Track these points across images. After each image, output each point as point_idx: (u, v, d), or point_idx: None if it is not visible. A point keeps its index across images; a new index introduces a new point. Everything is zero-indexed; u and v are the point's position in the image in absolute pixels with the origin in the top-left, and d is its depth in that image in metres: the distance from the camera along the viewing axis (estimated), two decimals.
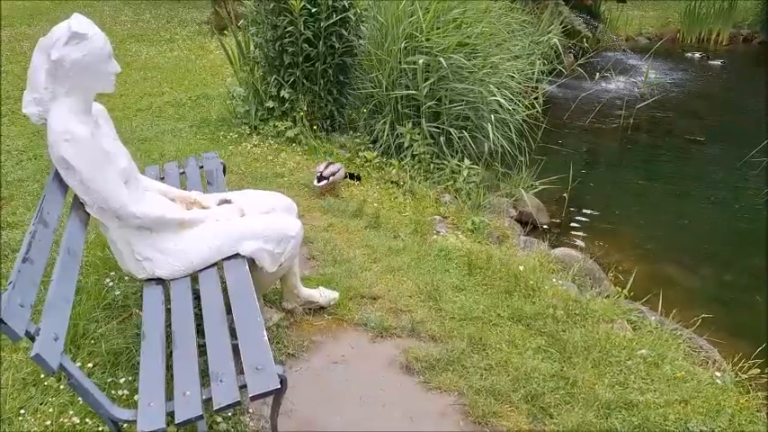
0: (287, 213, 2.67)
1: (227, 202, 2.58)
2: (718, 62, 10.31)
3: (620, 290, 3.27)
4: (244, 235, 2.38)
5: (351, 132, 5.23)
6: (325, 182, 4.14)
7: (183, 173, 3.24)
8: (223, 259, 2.37)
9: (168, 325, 2.13)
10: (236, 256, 2.38)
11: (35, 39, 2.00)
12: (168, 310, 2.17)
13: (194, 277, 2.34)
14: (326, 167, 4.19)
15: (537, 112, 5.17)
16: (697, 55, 10.78)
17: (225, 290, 2.24)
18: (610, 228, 4.70)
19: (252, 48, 5.41)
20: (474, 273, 3.29)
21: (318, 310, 2.89)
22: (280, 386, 1.78)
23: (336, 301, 2.93)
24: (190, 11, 13.16)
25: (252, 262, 2.42)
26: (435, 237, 3.77)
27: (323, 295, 2.90)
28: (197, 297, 2.27)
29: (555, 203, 4.94)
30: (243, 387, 1.78)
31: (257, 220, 2.47)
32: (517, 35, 6.10)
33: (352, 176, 4.43)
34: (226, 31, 8.81)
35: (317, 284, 3.02)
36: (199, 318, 2.15)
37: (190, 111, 6.09)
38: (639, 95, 7.29)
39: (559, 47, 7.08)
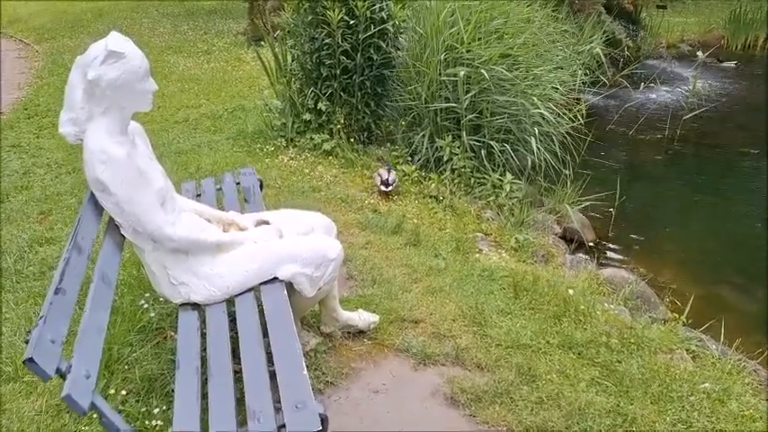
0: (326, 234, 2.56)
1: (265, 222, 2.48)
2: (731, 64, 9.91)
3: (677, 316, 3.07)
4: (282, 258, 2.28)
5: (388, 145, 5.12)
6: (392, 187, 4.26)
7: (220, 189, 3.18)
8: (260, 283, 2.28)
9: (204, 350, 2.04)
10: (274, 280, 2.28)
11: (76, 51, 1.96)
12: (204, 335, 2.08)
13: (230, 301, 2.25)
14: (389, 172, 4.30)
15: (580, 124, 4.98)
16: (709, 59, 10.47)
17: (262, 313, 2.14)
18: (659, 246, 4.48)
19: (289, 60, 5.36)
20: (520, 295, 3.13)
21: (358, 334, 2.78)
22: (321, 427, 1.66)
23: (376, 324, 2.81)
24: (227, 22, 13.30)
25: (290, 285, 2.32)
26: (477, 255, 3.62)
27: (362, 318, 2.78)
28: (233, 320, 2.18)
29: (601, 220, 4.73)
30: (282, 427, 1.66)
31: (296, 242, 2.37)
32: (558, 45, 5.92)
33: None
34: (262, 42, 8.82)
35: (357, 306, 2.90)
36: (235, 342, 2.05)
37: (226, 123, 6.07)
38: (686, 106, 7.01)
39: (602, 56, 6.86)
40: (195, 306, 2.21)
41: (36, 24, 13.00)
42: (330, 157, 4.97)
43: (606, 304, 3.12)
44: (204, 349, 2.03)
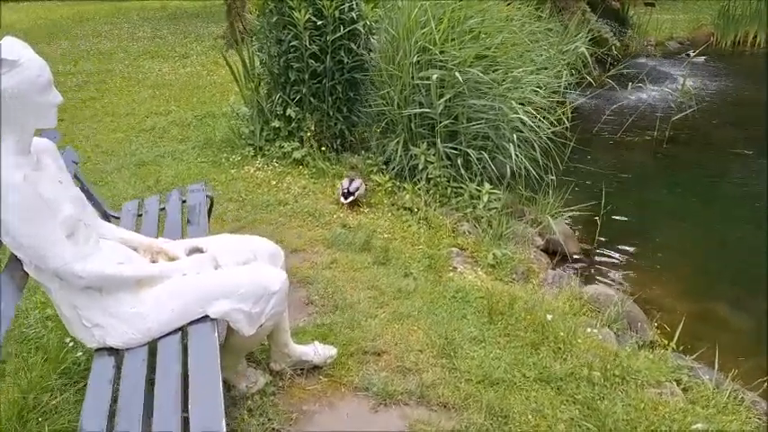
0: (271, 262, 2.28)
1: (199, 250, 2.20)
2: (701, 59, 9.72)
3: (665, 341, 2.80)
4: (213, 293, 2.00)
5: (363, 153, 4.84)
6: (352, 197, 4.03)
7: (164, 209, 2.89)
8: (189, 323, 1.99)
9: (115, 401, 1.75)
10: (205, 318, 2.00)
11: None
12: (117, 390, 1.79)
13: (154, 346, 1.96)
14: (351, 183, 4.07)
15: (565, 128, 4.71)
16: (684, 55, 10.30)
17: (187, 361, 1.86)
18: (648, 257, 4.21)
19: (257, 64, 5.08)
20: (495, 320, 2.85)
21: (313, 370, 2.50)
22: None
23: (334, 358, 2.53)
24: (208, 25, 13.02)
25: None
26: (451, 274, 3.35)
27: (318, 353, 2.50)
28: (154, 369, 1.89)
29: (586, 230, 4.46)
30: None
31: (232, 273, 2.09)
32: (542, 45, 5.65)
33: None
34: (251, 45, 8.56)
35: (313, 338, 2.62)
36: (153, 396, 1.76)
37: (194, 131, 5.78)
38: (675, 106, 6.76)
39: (587, 56, 6.61)
40: (112, 351, 1.92)
41: (17, 30, 12.65)
42: (300, 167, 4.69)
43: (589, 329, 2.85)
44: (115, 400, 1.75)
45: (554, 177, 4.43)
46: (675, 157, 6.13)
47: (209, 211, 2.97)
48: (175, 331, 1.97)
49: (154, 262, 2.14)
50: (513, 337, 2.73)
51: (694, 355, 2.73)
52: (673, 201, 5.15)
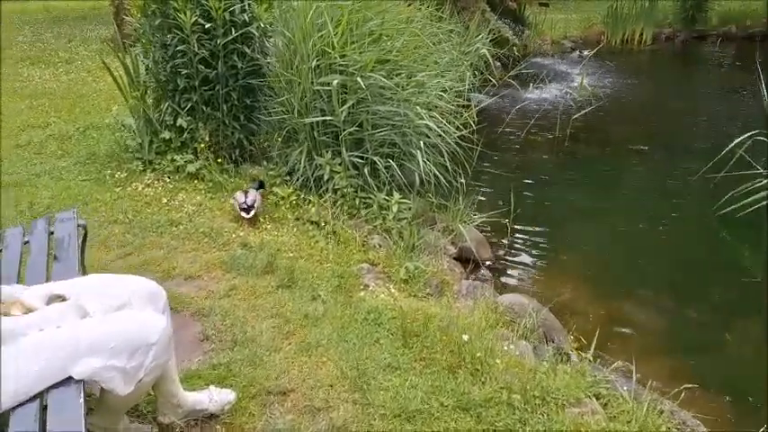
0: (150, 305, 1.97)
1: (61, 298, 1.86)
2: (587, 53, 10.25)
3: (582, 354, 2.73)
4: (78, 350, 1.68)
5: (265, 163, 4.54)
6: (254, 211, 3.76)
7: (28, 242, 2.49)
8: (49, 387, 1.66)
9: None
10: (69, 380, 1.67)
11: None
12: None
13: (4, 420, 1.61)
14: (246, 195, 3.80)
15: (471, 133, 4.63)
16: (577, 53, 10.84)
17: None
18: (559, 259, 4.20)
19: (142, 70, 4.66)
20: (409, 343, 2.67)
21: (209, 418, 2.21)
22: None
23: (233, 403, 2.25)
24: (96, 28, 12.19)
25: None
26: (362, 293, 3.14)
27: (214, 399, 2.22)
28: None
29: (497, 234, 4.41)
30: None
31: (101, 323, 1.77)
32: (444, 46, 5.57)
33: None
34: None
35: (208, 382, 2.34)
36: None
37: (76, 145, 5.25)
38: (574, 104, 6.92)
39: (489, 57, 6.62)
40: None
41: None
42: (195, 181, 4.34)
43: (506, 345, 2.73)
44: None
45: (464, 181, 4.34)
46: (577, 155, 6.26)
47: (84, 242, 2.60)
48: (32, 399, 1.63)
49: (6, 315, 1.78)
50: (430, 362, 2.57)
51: (611, 366, 2.66)
52: (577, 199, 5.21)
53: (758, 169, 4.55)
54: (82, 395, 1.65)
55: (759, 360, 3.18)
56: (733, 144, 4.48)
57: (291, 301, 2.99)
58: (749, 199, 4.55)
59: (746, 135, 4.37)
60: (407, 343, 2.68)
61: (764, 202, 4.45)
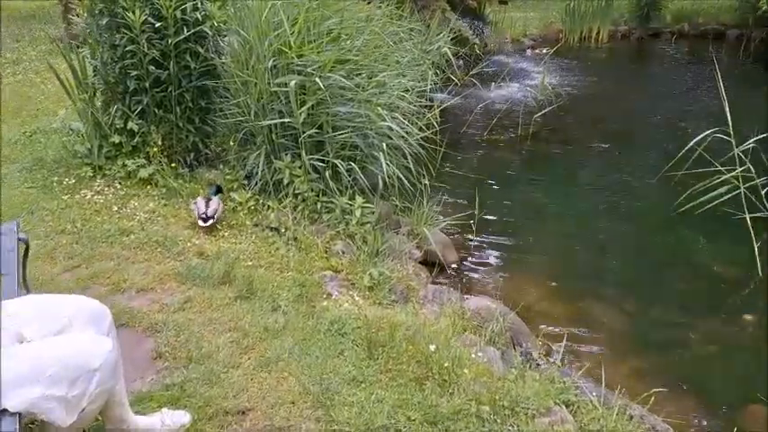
0: (92, 327, 1.82)
1: None
2: (544, 51, 10.40)
3: (550, 359, 2.68)
4: (13, 379, 1.53)
5: (221, 167, 4.38)
6: (211, 221, 3.62)
7: None
8: None
9: None
10: (3, 413, 1.52)
11: None
12: None
13: None
14: (209, 205, 3.64)
15: (434, 134, 4.56)
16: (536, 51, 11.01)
17: None
18: (524, 260, 4.16)
19: (89, 72, 4.44)
20: (375, 355, 2.58)
21: None
22: None
23: (187, 426, 2.12)
24: (46, 27, 11.71)
25: None
26: (326, 302, 3.03)
27: (167, 423, 2.08)
28: None
29: (462, 236, 4.35)
30: None
31: (38, 350, 1.63)
32: (406, 45, 5.48)
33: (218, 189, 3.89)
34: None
35: (161, 404, 2.19)
36: None
37: (22, 151, 4.99)
38: (536, 103, 6.92)
39: (450, 56, 6.57)
40: None
41: None
42: (148, 187, 4.15)
43: (474, 352, 2.66)
44: None
45: (428, 183, 4.25)
46: (539, 154, 6.26)
47: (25, 257, 2.42)
48: None
49: None
50: (396, 373, 2.47)
51: (580, 372, 2.62)
52: (540, 198, 5.20)
53: (717, 166, 4.59)
54: (17, 427, 1.50)
55: (723, 358, 3.20)
56: (692, 142, 4.51)
57: (250, 313, 2.86)
58: (707, 196, 4.60)
59: (705, 133, 4.40)
60: (372, 354, 2.58)
61: (723, 198, 4.50)
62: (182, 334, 2.66)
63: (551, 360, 2.69)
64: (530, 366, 2.67)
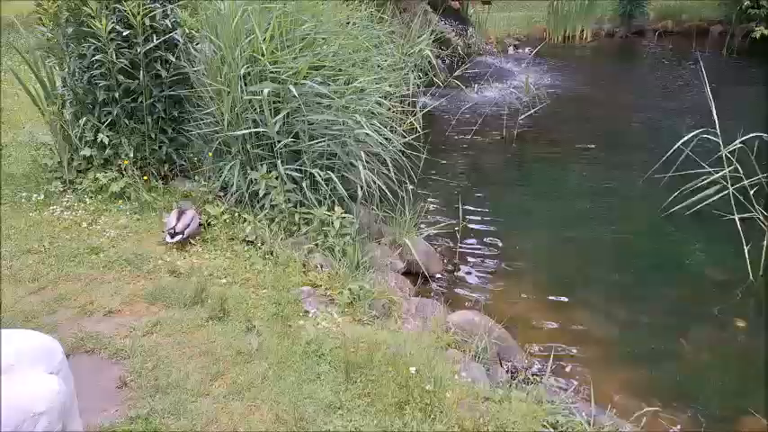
0: (39, 366, 1.68)
1: None
2: (527, 51, 10.36)
3: (537, 377, 2.56)
4: None
5: (196, 179, 4.24)
6: (180, 237, 3.47)
7: None
8: None
9: None
10: None
11: None
12: None
13: None
14: (179, 219, 3.50)
15: (416, 139, 4.44)
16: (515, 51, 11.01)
17: None
18: (510, 267, 4.04)
19: (57, 83, 4.29)
20: (353, 378, 2.45)
21: None
22: None
23: None
24: (23, 36, 11.44)
25: None
26: (302, 321, 2.90)
27: None
28: None
29: (446, 243, 4.23)
30: None
31: None
32: (386, 49, 5.36)
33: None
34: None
35: None
36: None
37: None
38: (520, 104, 6.82)
39: (432, 58, 6.46)
40: None
41: None
42: (120, 201, 4.00)
43: (458, 371, 2.54)
44: None
45: (411, 189, 4.13)
46: (525, 157, 6.16)
47: None
48: None
49: None
50: (375, 398, 2.35)
51: (569, 390, 2.50)
52: (526, 202, 5.10)
53: (704, 167, 4.51)
54: None
55: (715, 369, 3.10)
56: (679, 143, 4.43)
57: (222, 336, 2.72)
58: (695, 197, 4.53)
59: (692, 134, 4.31)
60: (350, 377, 2.45)
61: (711, 200, 4.42)
62: (149, 360, 2.52)
63: (538, 377, 2.57)
64: (516, 385, 2.55)
